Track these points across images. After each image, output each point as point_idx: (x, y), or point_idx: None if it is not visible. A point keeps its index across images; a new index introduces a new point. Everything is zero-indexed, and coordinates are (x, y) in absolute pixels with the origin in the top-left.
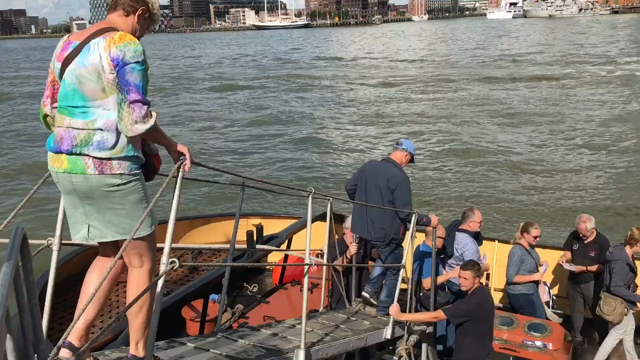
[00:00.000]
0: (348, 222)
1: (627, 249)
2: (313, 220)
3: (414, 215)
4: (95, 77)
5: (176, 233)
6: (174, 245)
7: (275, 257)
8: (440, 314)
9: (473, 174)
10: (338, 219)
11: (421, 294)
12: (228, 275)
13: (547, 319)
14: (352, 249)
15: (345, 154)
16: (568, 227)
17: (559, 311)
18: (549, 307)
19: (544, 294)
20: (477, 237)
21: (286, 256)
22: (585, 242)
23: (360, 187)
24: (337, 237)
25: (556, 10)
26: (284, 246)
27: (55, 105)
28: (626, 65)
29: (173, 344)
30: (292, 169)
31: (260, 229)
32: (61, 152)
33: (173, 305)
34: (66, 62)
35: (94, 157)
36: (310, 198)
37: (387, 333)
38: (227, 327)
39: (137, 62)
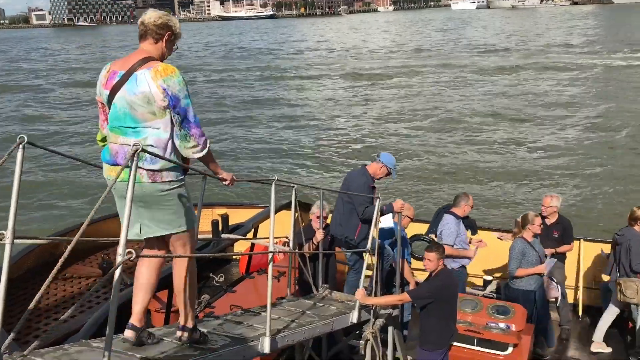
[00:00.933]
0: (314, 208)
1: (637, 228)
2: (280, 209)
3: (376, 203)
4: (145, 104)
5: None
6: (138, 238)
7: (241, 247)
8: (405, 297)
9: (440, 158)
10: (304, 206)
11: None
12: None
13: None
14: (319, 235)
15: (310, 142)
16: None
17: None
18: (556, 304)
19: (552, 290)
20: (473, 227)
21: (252, 245)
22: (549, 223)
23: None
24: (303, 224)
25: (518, 2)
26: (250, 235)
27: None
28: (584, 55)
29: None
30: (257, 158)
31: (225, 218)
32: (117, 165)
33: None
34: (114, 90)
35: (147, 170)
36: (273, 186)
37: (354, 317)
38: None
39: (185, 96)
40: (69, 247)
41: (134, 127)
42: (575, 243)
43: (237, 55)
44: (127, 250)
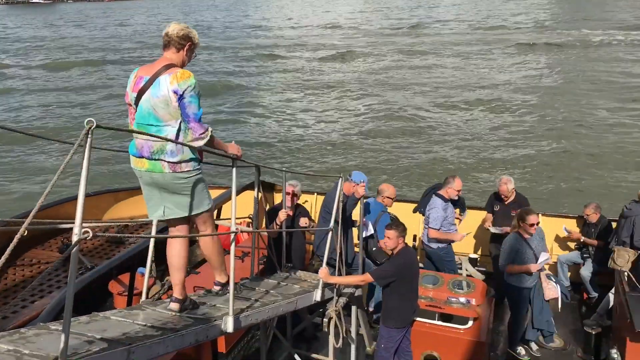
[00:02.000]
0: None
1: None
2: (244, 189)
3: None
4: (165, 105)
5: (100, 207)
6: (99, 222)
7: (206, 234)
8: (367, 277)
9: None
10: (268, 187)
11: (374, 248)
12: (152, 246)
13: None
14: (282, 215)
15: (272, 122)
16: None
17: (482, 269)
18: (558, 303)
19: (550, 290)
20: (463, 206)
21: (216, 226)
22: (506, 202)
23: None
24: (267, 205)
25: None
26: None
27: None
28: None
29: (95, 318)
30: (219, 137)
31: None
32: (143, 157)
33: (98, 280)
34: (141, 92)
35: (168, 162)
36: (234, 164)
37: (317, 296)
38: (155, 300)
39: (191, 95)
40: (21, 230)
41: (156, 126)
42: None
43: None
44: (83, 230)
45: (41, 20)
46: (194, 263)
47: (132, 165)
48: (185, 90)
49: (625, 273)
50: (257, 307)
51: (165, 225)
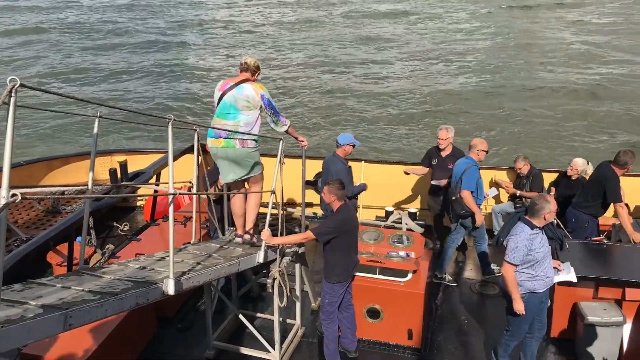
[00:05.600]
0: None
1: (615, 168)
2: (183, 153)
3: (280, 145)
4: (246, 101)
5: (34, 176)
6: (31, 189)
7: (145, 194)
8: (308, 234)
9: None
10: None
11: (453, 198)
12: (88, 214)
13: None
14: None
15: (209, 83)
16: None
17: (421, 222)
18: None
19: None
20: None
21: (157, 192)
22: (444, 155)
23: (324, 175)
24: (208, 168)
25: None
26: (152, 182)
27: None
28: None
29: (30, 285)
30: (155, 101)
31: (124, 165)
32: (220, 138)
33: (35, 251)
34: (225, 92)
35: (239, 139)
36: (170, 125)
37: (260, 257)
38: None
39: (272, 100)
40: None
41: (234, 113)
42: None
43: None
44: (11, 193)
45: None
46: (135, 230)
47: (209, 145)
48: (268, 96)
49: (554, 220)
50: (199, 270)
51: (105, 192)
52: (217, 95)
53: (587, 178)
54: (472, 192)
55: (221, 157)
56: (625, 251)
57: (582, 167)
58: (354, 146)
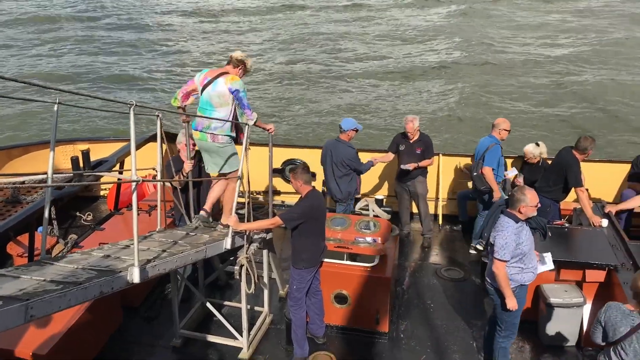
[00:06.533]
0: (180, 136)
1: (576, 154)
2: (147, 141)
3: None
4: (218, 98)
5: None
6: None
7: (108, 181)
8: (276, 220)
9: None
10: (171, 138)
11: (475, 173)
12: (49, 203)
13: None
14: (187, 166)
15: (173, 68)
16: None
17: (388, 208)
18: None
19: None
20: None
21: (120, 180)
22: (411, 141)
23: (325, 161)
24: (172, 155)
25: None
26: (116, 170)
27: (184, 101)
28: None
29: None
30: (118, 89)
31: (86, 153)
32: (197, 130)
33: None
34: (204, 87)
35: (210, 133)
36: (131, 111)
37: (227, 244)
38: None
39: (241, 91)
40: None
41: (209, 110)
42: (435, 158)
43: None
44: None
45: None
46: (99, 219)
47: (194, 137)
48: (237, 87)
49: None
50: (165, 257)
51: (66, 181)
52: (198, 87)
53: (546, 159)
54: (492, 170)
55: (201, 148)
56: (585, 234)
57: (534, 151)
58: (357, 130)
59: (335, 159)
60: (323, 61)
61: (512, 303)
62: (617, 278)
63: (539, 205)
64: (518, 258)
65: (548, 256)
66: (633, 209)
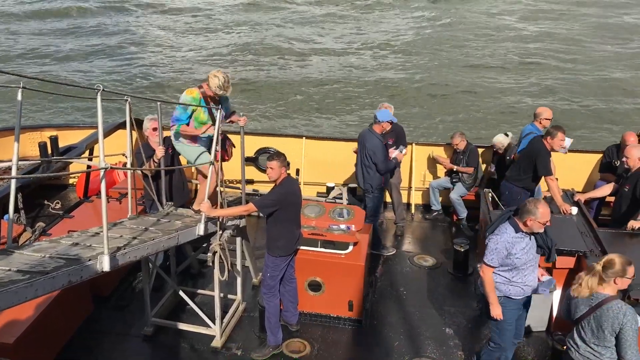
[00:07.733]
0: (148, 123)
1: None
2: (117, 128)
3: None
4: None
5: None
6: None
7: (77, 170)
8: (250, 207)
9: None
10: (141, 124)
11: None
12: (14, 190)
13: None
14: (159, 152)
15: (144, 52)
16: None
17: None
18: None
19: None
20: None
21: (89, 168)
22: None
23: (359, 149)
24: (142, 142)
25: None
26: (85, 157)
27: None
28: None
29: None
30: (89, 73)
31: (54, 140)
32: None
33: None
34: None
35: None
36: (99, 95)
37: (200, 230)
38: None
39: (182, 105)
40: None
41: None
42: (409, 147)
43: None
44: None
45: None
46: (67, 207)
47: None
48: (182, 99)
49: (490, 194)
50: (136, 245)
51: (33, 167)
52: None
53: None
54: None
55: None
56: (555, 222)
57: (503, 141)
58: (391, 123)
59: (366, 149)
60: (300, 55)
61: (496, 311)
62: (586, 264)
63: (549, 224)
64: (507, 268)
65: (548, 282)
66: (604, 198)
